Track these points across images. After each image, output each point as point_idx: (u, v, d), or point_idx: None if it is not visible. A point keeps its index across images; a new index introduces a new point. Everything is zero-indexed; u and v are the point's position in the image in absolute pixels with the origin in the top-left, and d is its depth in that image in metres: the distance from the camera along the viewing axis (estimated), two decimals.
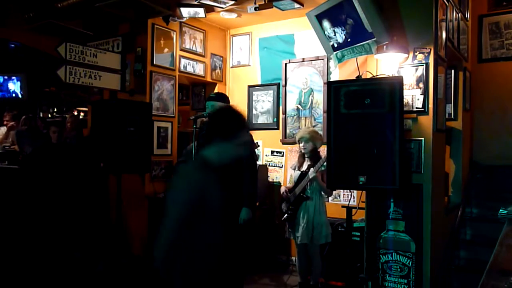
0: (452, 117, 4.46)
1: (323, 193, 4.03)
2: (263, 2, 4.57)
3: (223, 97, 3.78)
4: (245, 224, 3.59)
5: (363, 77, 3.56)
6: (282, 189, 4.23)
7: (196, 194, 1.93)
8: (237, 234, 3.60)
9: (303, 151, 4.06)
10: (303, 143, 4.03)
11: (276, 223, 4.23)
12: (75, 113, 8.72)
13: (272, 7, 4.57)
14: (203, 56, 5.56)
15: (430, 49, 3.43)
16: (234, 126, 2.04)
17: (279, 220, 4.18)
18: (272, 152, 5.45)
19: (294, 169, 4.18)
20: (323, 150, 4.16)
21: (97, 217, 4.96)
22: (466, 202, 4.57)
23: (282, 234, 4.29)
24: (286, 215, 4.06)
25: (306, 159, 4.10)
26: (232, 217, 3.49)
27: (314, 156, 4.06)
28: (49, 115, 8.58)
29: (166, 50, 5.02)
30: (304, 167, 4.07)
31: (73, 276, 4.24)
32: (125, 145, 4.02)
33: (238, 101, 5.71)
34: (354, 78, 3.55)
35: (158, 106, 4.90)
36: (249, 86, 5.66)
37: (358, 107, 3.14)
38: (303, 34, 5.21)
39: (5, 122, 6.25)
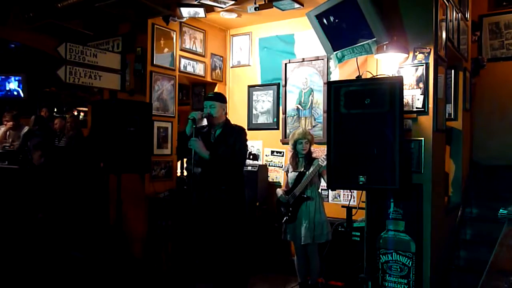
0: (452, 117, 4.46)
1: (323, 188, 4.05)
2: (263, 2, 4.57)
3: (222, 97, 3.78)
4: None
5: (363, 77, 3.56)
6: (279, 192, 4.22)
7: None
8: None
9: (303, 152, 4.06)
10: (303, 144, 4.03)
11: (275, 226, 4.23)
12: (75, 113, 8.71)
13: (272, 7, 4.57)
14: (203, 56, 5.55)
15: (430, 49, 3.43)
16: None
17: (278, 222, 4.17)
18: (272, 152, 5.45)
19: (287, 171, 4.18)
20: (323, 150, 4.18)
21: (96, 217, 4.96)
22: (466, 202, 4.57)
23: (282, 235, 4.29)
24: (285, 217, 4.06)
25: (300, 159, 4.10)
26: None
27: (309, 156, 4.07)
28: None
29: (166, 50, 5.01)
30: (301, 168, 4.07)
31: (71, 275, 4.24)
32: (125, 145, 4.02)
33: (238, 101, 5.71)
34: (354, 78, 3.55)
35: (158, 106, 4.89)
36: (249, 86, 5.66)
37: (358, 107, 3.14)
38: (303, 34, 5.21)
39: (4, 122, 6.26)
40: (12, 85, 7.80)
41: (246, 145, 3.77)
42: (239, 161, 3.65)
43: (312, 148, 4.18)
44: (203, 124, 3.85)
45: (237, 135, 3.66)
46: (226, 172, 3.59)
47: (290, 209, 4.03)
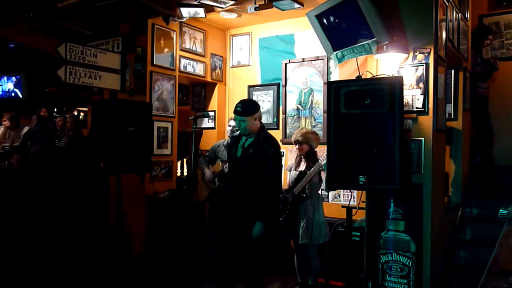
0: (452, 117, 4.46)
1: (323, 189, 4.07)
2: (263, 2, 4.57)
3: (251, 109, 3.43)
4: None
5: (363, 77, 3.56)
6: None
7: None
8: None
9: (299, 152, 4.07)
10: (298, 145, 4.04)
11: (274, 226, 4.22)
12: (75, 113, 8.72)
13: (272, 7, 4.57)
14: (203, 56, 5.55)
15: (430, 49, 3.43)
16: None
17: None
18: None
19: (290, 170, 4.19)
20: (323, 150, 4.18)
21: (97, 217, 4.96)
22: (466, 202, 4.57)
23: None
24: (283, 215, 4.06)
25: (303, 159, 4.11)
26: None
27: (311, 156, 4.06)
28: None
29: (166, 50, 5.01)
30: (302, 167, 4.07)
31: (72, 275, 4.24)
32: (125, 145, 4.01)
33: None
34: (354, 78, 3.56)
35: (158, 106, 4.89)
36: (249, 86, 5.66)
37: (358, 107, 3.14)
38: (303, 34, 5.21)
39: (3, 122, 6.26)
40: (12, 85, 7.82)
41: (280, 162, 3.61)
42: (280, 178, 3.56)
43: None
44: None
45: (267, 151, 3.40)
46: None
47: (288, 207, 4.04)
